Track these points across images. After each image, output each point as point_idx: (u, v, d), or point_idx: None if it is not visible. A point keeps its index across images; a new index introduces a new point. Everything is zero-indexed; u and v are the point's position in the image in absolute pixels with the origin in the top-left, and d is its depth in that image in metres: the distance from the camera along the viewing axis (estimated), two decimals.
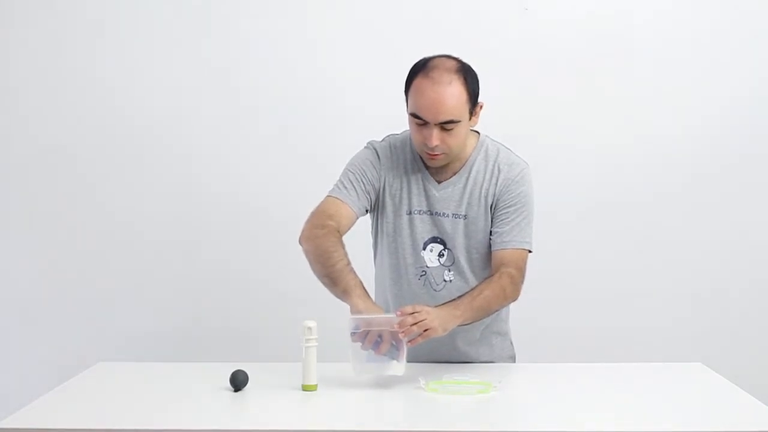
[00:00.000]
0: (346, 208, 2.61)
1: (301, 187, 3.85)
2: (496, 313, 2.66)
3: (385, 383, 2.37)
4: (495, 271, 2.57)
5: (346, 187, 2.63)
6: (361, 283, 2.46)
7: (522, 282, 2.59)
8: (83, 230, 3.93)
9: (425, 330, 2.30)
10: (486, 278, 2.57)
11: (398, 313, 2.32)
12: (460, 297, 2.48)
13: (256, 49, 3.87)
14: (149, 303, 3.92)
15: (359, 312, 2.38)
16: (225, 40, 3.87)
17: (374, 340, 2.32)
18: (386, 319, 2.34)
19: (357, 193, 2.63)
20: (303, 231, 2.59)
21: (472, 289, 2.50)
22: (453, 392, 2.31)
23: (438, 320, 2.33)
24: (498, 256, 2.59)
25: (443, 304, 2.45)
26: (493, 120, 3.72)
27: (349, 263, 2.50)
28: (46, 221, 3.93)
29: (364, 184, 2.64)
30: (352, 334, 2.33)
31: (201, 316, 3.92)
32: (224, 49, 3.87)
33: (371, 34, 3.82)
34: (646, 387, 2.42)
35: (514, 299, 2.59)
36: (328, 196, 2.64)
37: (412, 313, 2.30)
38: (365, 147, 2.72)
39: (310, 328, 2.35)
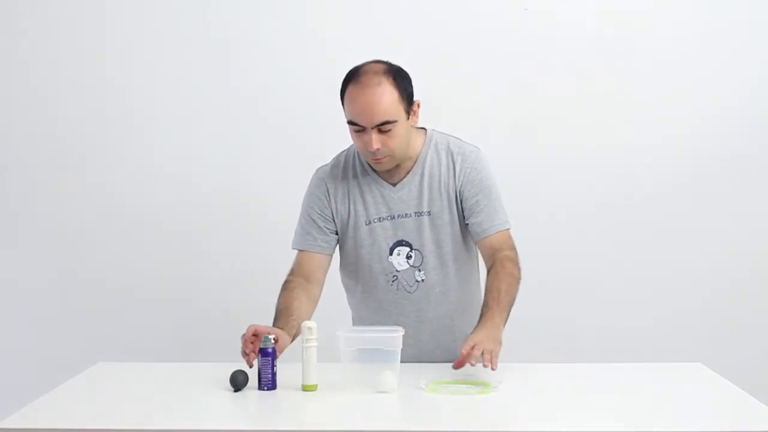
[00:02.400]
0: (313, 255, 2.69)
1: (302, 189, 3.85)
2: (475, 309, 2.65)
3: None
4: (490, 259, 2.59)
5: (303, 234, 2.70)
6: (286, 319, 2.51)
7: (518, 258, 2.60)
8: (84, 230, 3.93)
9: (490, 353, 2.30)
10: (490, 274, 2.56)
11: (463, 351, 2.31)
12: (486, 307, 2.46)
13: (257, 48, 3.87)
14: (149, 303, 3.92)
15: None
16: (226, 40, 3.87)
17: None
18: (378, 337, 2.35)
19: (314, 237, 2.69)
20: None
21: (490, 292, 2.49)
22: (453, 392, 2.31)
23: (488, 340, 2.33)
24: (486, 245, 2.60)
25: (478, 323, 2.43)
26: (492, 120, 3.76)
27: (294, 305, 2.55)
28: (47, 222, 3.93)
29: (317, 222, 2.69)
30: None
31: (201, 316, 3.92)
32: (225, 50, 3.87)
33: (371, 33, 3.82)
34: (646, 387, 2.42)
35: (521, 278, 2.58)
36: (297, 251, 2.71)
37: (473, 346, 2.30)
38: (312, 178, 2.75)
39: (310, 329, 2.35)
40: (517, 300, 2.59)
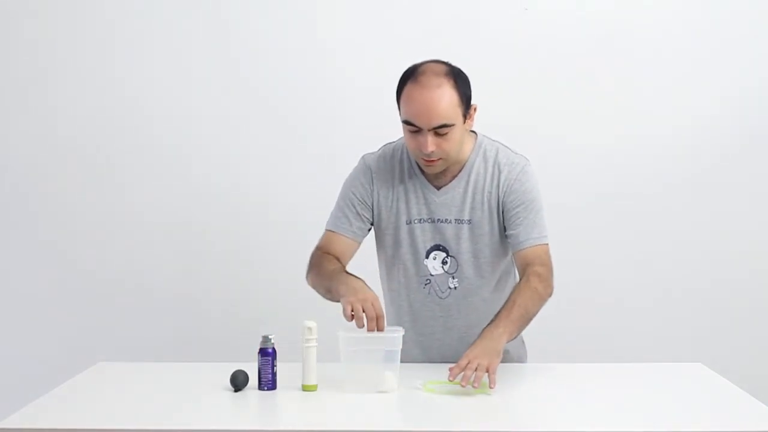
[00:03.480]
0: (343, 239, 2.65)
1: (303, 188, 3.86)
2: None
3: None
4: (522, 273, 2.56)
5: (339, 216, 2.67)
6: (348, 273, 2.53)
7: (552, 275, 2.57)
8: (84, 230, 3.93)
9: (486, 370, 2.28)
10: (515, 286, 2.54)
11: (451, 377, 2.28)
12: (495, 317, 2.44)
13: (265, 49, 3.86)
14: (149, 303, 3.92)
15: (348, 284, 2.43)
16: (232, 41, 3.86)
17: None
18: (377, 337, 2.35)
19: (350, 221, 2.65)
20: (307, 270, 2.64)
21: (505, 303, 2.47)
22: (450, 392, 2.30)
23: (484, 354, 2.30)
24: (520, 257, 2.58)
25: (483, 330, 2.41)
26: (492, 119, 3.75)
27: (343, 269, 2.55)
28: (47, 221, 3.93)
29: (356, 207, 2.65)
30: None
31: (201, 316, 3.92)
32: (231, 49, 3.86)
33: (371, 34, 3.81)
34: (646, 387, 2.42)
35: (550, 295, 2.55)
36: (325, 230, 2.68)
37: (468, 362, 2.28)
38: (358, 163, 2.72)
39: (310, 328, 2.35)
40: (551, 295, 2.58)
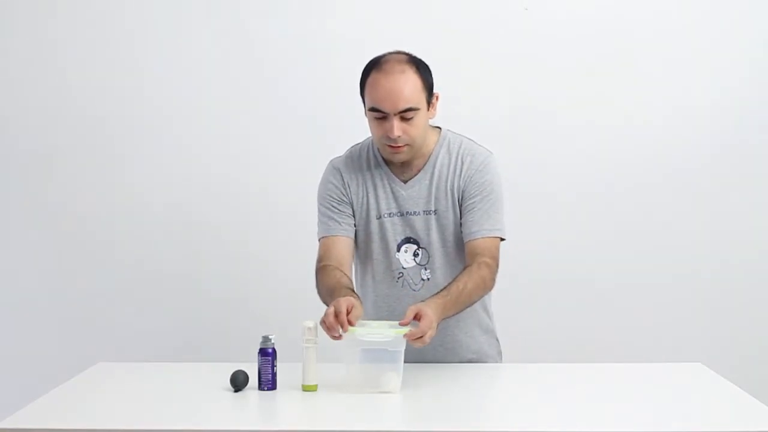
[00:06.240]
0: (336, 240, 2.66)
1: (303, 188, 3.83)
2: (481, 308, 2.69)
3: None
4: (471, 261, 2.55)
5: (324, 221, 2.68)
6: (349, 290, 2.49)
7: (497, 271, 2.57)
8: (83, 230, 3.93)
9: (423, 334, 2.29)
10: (465, 269, 2.53)
11: (408, 314, 2.30)
12: (445, 291, 2.43)
13: (263, 47, 3.86)
14: (149, 303, 3.92)
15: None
16: (231, 38, 3.86)
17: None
18: (380, 342, 2.34)
19: (336, 221, 2.67)
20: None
21: (456, 281, 2.47)
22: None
23: (435, 320, 2.31)
24: (470, 247, 2.58)
25: (430, 298, 2.41)
26: (492, 119, 3.76)
27: (339, 285, 2.50)
28: (47, 220, 3.93)
29: (336, 207, 2.67)
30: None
31: (201, 316, 3.92)
32: (230, 47, 3.86)
33: (370, 33, 3.80)
34: (646, 387, 2.42)
35: (491, 289, 2.57)
36: (318, 240, 2.69)
37: (416, 318, 2.30)
38: (325, 168, 2.74)
39: (310, 328, 2.35)
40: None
